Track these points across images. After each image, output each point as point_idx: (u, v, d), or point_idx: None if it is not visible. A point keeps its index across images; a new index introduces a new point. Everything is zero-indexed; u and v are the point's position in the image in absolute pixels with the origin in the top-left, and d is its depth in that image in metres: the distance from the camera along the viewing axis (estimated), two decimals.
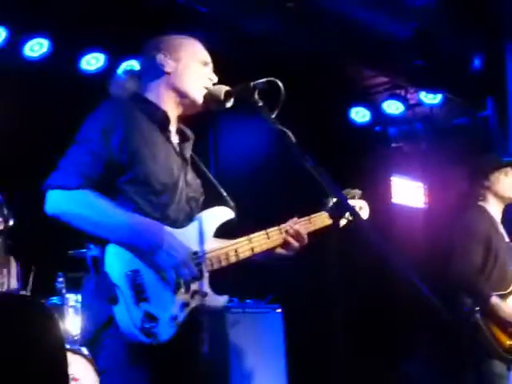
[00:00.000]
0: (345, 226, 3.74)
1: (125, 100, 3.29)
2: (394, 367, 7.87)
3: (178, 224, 3.21)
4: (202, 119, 3.49)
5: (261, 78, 3.21)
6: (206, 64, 3.41)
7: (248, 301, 7.30)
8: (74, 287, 6.38)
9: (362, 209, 3.88)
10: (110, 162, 3.07)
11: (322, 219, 3.67)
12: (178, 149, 3.36)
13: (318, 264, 7.19)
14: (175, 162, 3.31)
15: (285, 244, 3.49)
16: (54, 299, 6.17)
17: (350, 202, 3.78)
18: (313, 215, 3.64)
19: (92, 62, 7.63)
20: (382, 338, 8.79)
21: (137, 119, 3.21)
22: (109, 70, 7.59)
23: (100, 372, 3.17)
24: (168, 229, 3.12)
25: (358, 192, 3.87)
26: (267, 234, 3.44)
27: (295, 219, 3.54)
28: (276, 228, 3.48)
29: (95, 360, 3.19)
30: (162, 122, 3.32)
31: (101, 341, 3.04)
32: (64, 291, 6.19)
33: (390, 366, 7.86)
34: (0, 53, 7.13)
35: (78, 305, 6.19)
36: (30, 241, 6.98)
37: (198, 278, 3.12)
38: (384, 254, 2.80)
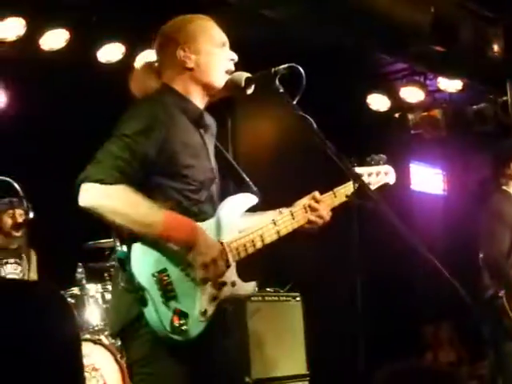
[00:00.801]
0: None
1: (162, 95, 3.27)
2: (416, 354, 7.84)
3: (209, 216, 3.21)
4: (219, 105, 3.48)
5: (280, 65, 3.20)
6: (224, 45, 3.38)
7: (268, 289, 7.30)
8: (93, 277, 6.41)
9: (388, 174, 3.82)
10: (148, 159, 3.06)
11: (346, 191, 3.57)
12: (206, 143, 3.35)
13: (338, 251, 7.16)
14: (208, 158, 3.32)
15: (309, 222, 3.46)
16: (74, 289, 6.19)
17: (375, 167, 3.76)
18: (336, 188, 3.58)
19: (110, 53, 7.61)
20: (404, 325, 8.77)
21: (175, 117, 3.20)
22: (127, 61, 7.60)
23: (131, 363, 3.17)
24: (199, 224, 3.12)
25: (383, 157, 3.80)
26: (292, 214, 3.41)
27: (316, 193, 3.51)
28: (300, 207, 3.45)
29: (127, 351, 3.20)
30: (197, 118, 3.32)
31: (133, 331, 3.05)
32: (84, 281, 6.22)
33: (413, 353, 7.84)
34: (18, 43, 7.13)
35: (98, 295, 6.22)
36: (49, 232, 7.00)
37: (226, 269, 3.12)
38: (405, 238, 2.79)
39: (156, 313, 2.93)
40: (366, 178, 3.70)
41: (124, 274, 3.01)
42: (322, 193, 3.55)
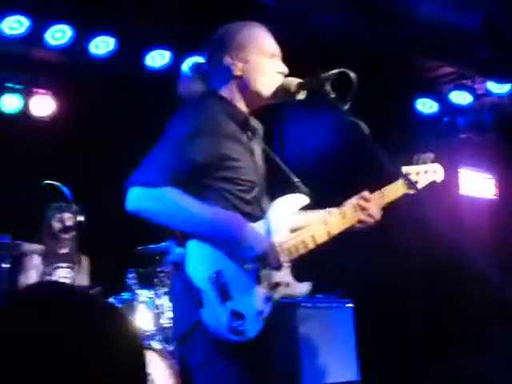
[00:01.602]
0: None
1: (209, 100, 3.28)
2: (473, 361, 7.73)
3: (258, 217, 3.22)
4: (267, 109, 3.47)
5: (326, 71, 3.18)
6: (273, 56, 3.38)
7: (318, 295, 7.26)
8: (144, 283, 6.43)
9: (436, 172, 3.79)
10: (196, 162, 3.08)
11: (395, 190, 3.58)
12: (253, 147, 3.36)
13: (389, 257, 7.11)
14: (255, 160, 3.34)
15: (359, 222, 3.46)
16: (125, 295, 6.22)
17: (423, 166, 3.73)
18: (385, 187, 3.58)
19: (157, 58, 7.67)
20: (459, 331, 8.64)
21: (221, 121, 3.22)
22: (174, 67, 7.64)
23: (191, 368, 3.19)
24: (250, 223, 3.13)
25: (430, 156, 3.77)
26: (342, 213, 3.41)
27: (366, 193, 3.50)
28: (350, 206, 3.44)
29: (187, 357, 3.22)
30: (243, 122, 3.33)
31: (192, 339, 3.07)
32: (135, 287, 6.24)
33: (469, 361, 7.72)
34: (66, 51, 7.21)
35: (149, 300, 6.24)
36: (100, 237, 7.05)
37: (278, 268, 3.11)
38: (457, 243, 2.75)
39: (213, 314, 2.96)
40: (413, 177, 3.70)
41: (180, 276, 3.04)
42: (369, 191, 3.54)
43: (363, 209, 3.45)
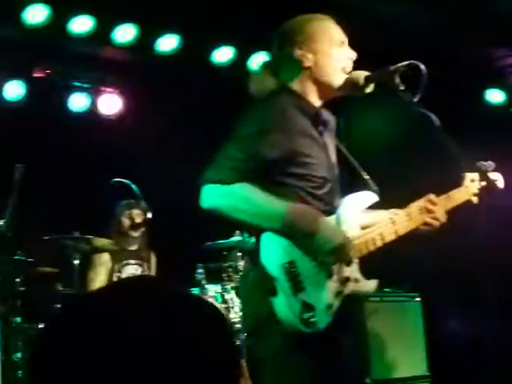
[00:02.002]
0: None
1: (280, 95, 3.28)
2: None
3: (333, 213, 3.22)
4: (332, 102, 3.46)
5: (395, 62, 3.15)
6: (342, 43, 3.37)
7: (386, 289, 7.22)
8: (213, 278, 6.48)
9: (497, 181, 3.76)
10: (267, 159, 3.09)
11: (460, 195, 3.59)
12: (325, 140, 3.35)
13: (459, 249, 7.02)
14: (327, 155, 3.33)
15: (425, 224, 3.44)
16: (194, 290, 6.27)
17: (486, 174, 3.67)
18: (451, 192, 3.57)
19: (222, 54, 7.69)
20: None
21: (292, 116, 3.22)
22: (239, 63, 7.65)
23: (261, 360, 3.21)
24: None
25: (491, 164, 3.72)
26: (409, 214, 3.40)
27: (432, 196, 3.48)
28: (416, 208, 3.43)
29: (256, 348, 3.24)
30: (315, 117, 3.32)
31: (261, 330, 3.09)
32: (204, 282, 6.29)
33: None
34: (133, 49, 7.27)
35: (218, 295, 6.28)
36: (169, 233, 7.11)
37: (350, 263, 3.12)
38: None
39: (286, 304, 2.96)
40: (476, 184, 3.66)
41: (254, 265, 3.07)
42: (435, 194, 3.52)
43: (429, 211, 3.45)
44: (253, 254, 3.08)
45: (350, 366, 3.27)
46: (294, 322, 2.96)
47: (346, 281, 3.12)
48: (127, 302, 1.36)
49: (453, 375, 7.34)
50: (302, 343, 3.01)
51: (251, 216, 3.03)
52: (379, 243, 3.27)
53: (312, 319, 2.97)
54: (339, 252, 3.06)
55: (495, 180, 3.72)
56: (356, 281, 3.16)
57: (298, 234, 3.04)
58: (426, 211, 3.44)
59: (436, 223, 3.45)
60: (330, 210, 3.22)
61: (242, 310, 3.32)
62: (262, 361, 3.17)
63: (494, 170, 3.72)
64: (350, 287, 3.14)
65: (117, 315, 1.34)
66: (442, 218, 3.47)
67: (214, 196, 3.01)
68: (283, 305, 2.97)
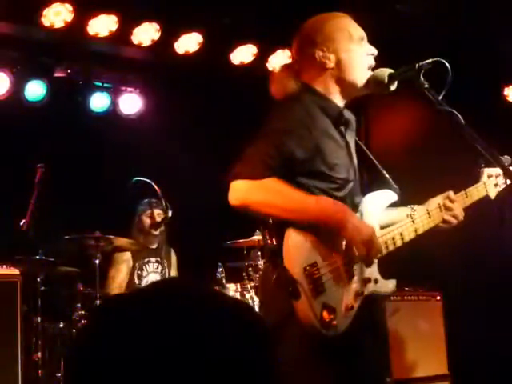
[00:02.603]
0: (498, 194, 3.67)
1: (304, 95, 3.27)
2: None
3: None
4: (353, 101, 3.45)
5: (416, 60, 3.14)
6: (362, 39, 3.35)
7: (407, 288, 7.19)
8: (232, 277, 6.48)
9: None
10: (293, 157, 3.07)
11: (477, 191, 3.62)
12: (347, 140, 3.35)
13: (483, 248, 6.98)
14: (349, 155, 3.32)
15: (443, 221, 3.45)
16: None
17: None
18: (468, 188, 3.60)
19: (243, 54, 7.68)
20: None
21: (315, 116, 3.21)
22: (260, 63, 7.65)
23: (280, 363, 3.17)
24: None
25: (508, 159, 3.70)
26: (428, 213, 3.40)
27: (451, 193, 3.49)
28: (436, 206, 3.43)
29: (276, 351, 3.20)
30: (338, 117, 3.31)
31: (281, 331, 3.05)
32: (224, 281, 6.29)
33: None
34: (153, 49, 7.29)
35: (238, 294, 6.28)
36: (190, 232, 7.12)
37: (371, 263, 3.11)
38: None
39: (307, 306, 2.94)
40: (493, 180, 3.68)
41: (275, 267, 3.03)
42: (455, 191, 3.54)
43: (448, 209, 3.46)
44: (274, 256, 3.05)
45: (372, 366, 3.24)
46: (316, 325, 2.94)
47: (366, 281, 3.12)
48: (172, 307, 1.34)
49: (473, 375, 7.31)
50: (322, 345, 2.98)
51: (282, 210, 3.01)
52: (399, 243, 3.26)
53: (334, 322, 2.96)
54: (369, 244, 3.04)
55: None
56: (376, 281, 3.16)
57: (328, 225, 3.02)
58: (445, 208, 3.45)
59: (454, 221, 3.46)
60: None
61: (261, 311, 3.29)
62: (281, 364, 3.13)
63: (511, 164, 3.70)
64: (370, 288, 3.14)
65: (155, 319, 1.32)
66: (461, 215, 3.48)
67: (244, 192, 2.99)
68: (305, 307, 2.94)
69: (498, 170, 3.69)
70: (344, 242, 3.06)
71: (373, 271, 3.15)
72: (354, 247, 3.03)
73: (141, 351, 1.24)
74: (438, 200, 3.46)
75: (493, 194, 3.68)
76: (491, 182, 3.67)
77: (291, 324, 2.98)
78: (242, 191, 2.99)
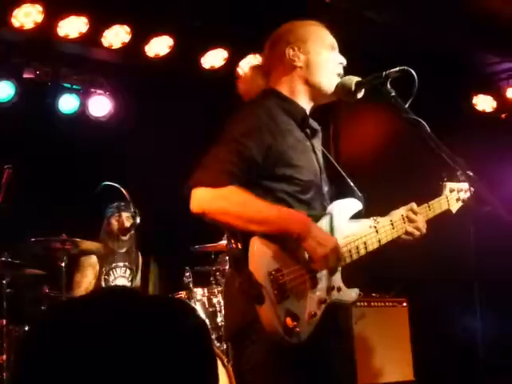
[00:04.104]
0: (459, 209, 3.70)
1: (266, 98, 3.28)
2: None
3: (317, 219, 3.20)
4: (322, 109, 3.46)
5: (384, 68, 3.16)
6: (333, 48, 3.40)
7: (374, 294, 7.23)
8: (200, 281, 6.47)
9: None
10: (255, 161, 3.07)
11: (440, 205, 3.65)
12: (313, 145, 3.35)
13: (448, 254, 7.03)
14: (314, 158, 3.32)
15: (406, 233, 3.46)
16: (182, 293, 6.26)
17: (466, 184, 3.67)
18: (431, 201, 3.62)
19: (213, 58, 7.67)
20: None
21: (280, 119, 3.22)
22: (230, 67, 7.65)
23: (243, 371, 3.17)
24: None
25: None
26: (392, 224, 3.41)
27: (414, 205, 3.51)
28: (399, 217, 3.44)
29: (238, 358, 3.19)
30: (302, 120, 3.32)
31: (245, 337, 3.06)
32: (191, 285, 6.28)
33: None
34: (123, 51, 7.26)
35: (205, 299, 6.27)
36: (157, 236, 7.11)
37: (335, 271, 3.11)
38: None
39: (271, 312, 2.93)
40: (455, 194, 3.71)
41: (240, 272, 3.03)
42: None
43: (411, 221, 3.48)
44: (239, 261, 3.03)
45: (337, 372, 3.24)
46: (279, 331, 2.93)
47: (329, 289, 3.11)
48: (109, 309, 1.39)
49: (438, 381, 7.35)
50: (286, 352, 2.97)
51: (242, 220, 3.00)
52: (362, 252, 3.26)
53: (297, 329, 2.94)
54: (330, 256, 3.04)
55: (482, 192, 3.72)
56: (339, 289, 3.15)
57: (288, 237, 3.02)
58: (408, 220, 3.46)
59: (417, 233, 3.47)
60: (317, 214, 3.21)
61: (224, 317, 3.28)
62: (245, 369, 3.12)
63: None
64: (334, 296, 3.13)
65: (97, 321, 1.37)
66: (423, 228, 3.50)
67: (204, 200, 2.97)
68: (268, 314, 2.93)
69: (460, 185, 3.72)
70: (306, 253, 3.06)
71: (336, 279, 3.15)
72: (315, 258, 3.03)
73: (79, 351, 1.30)
74: (402, 212, 3.47)
75: (454, 209, 3.70)
76: (453, 196, 3.70)
77: (255, 329, 2.97)
78: (202, 199, 2.97)
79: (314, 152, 3.35)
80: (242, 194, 3.00)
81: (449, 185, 3.68)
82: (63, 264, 6.12)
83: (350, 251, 3.21)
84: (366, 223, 3.37)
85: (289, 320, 2.94)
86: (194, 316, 1.48)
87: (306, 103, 3.35)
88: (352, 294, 3.22)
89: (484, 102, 9.09)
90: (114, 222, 6.83)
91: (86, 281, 6.65)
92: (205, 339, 1.46)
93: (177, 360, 1.35)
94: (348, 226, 3.30)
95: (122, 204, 6.70)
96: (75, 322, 1.34)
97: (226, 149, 3.06)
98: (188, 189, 2.99)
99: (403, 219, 3.45)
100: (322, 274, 3.09)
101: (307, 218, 3.08)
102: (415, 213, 3.48)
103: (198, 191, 2.97)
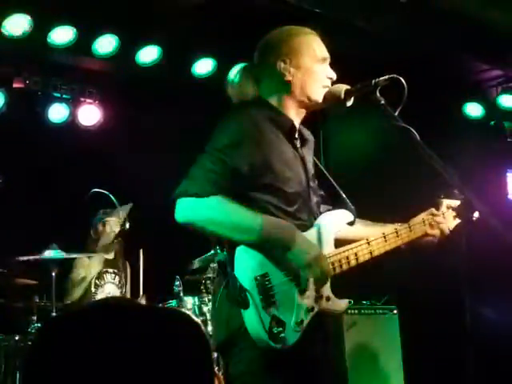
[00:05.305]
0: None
1: (253, 108, 3.27)
2: None
3: (305, 229, 3.19)
4: (311, 116, 3.46)
5: (374, 76, 3.16)
6: (324, 60, 3.38)
7: (364, 302, 7.24)
8: (190, 290, 6.46)
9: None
10: (241, 172, 3.07)
11: (420, 227, 3.60)
12: (302, 155, 3.35)
13: (437, 264, 7.04)
14: (302, 169, 3.32)
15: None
16: (172, 302, 6.25)
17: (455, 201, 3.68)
18: (426, 217, 3.62)
19: (202, 67, 7.69)
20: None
21: (266, 129, 3.21)
22: (219, 75, 7.66)
23: (231, 380, 3.17)
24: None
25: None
26: (384, 237, 3.41)
27: (411, 223, 3.55)
28: (393, 231, 3.45)
29: (226, 366, 3.19)
30: (290, 131, 3.32)
31: (233, 345, 3.05)
32: (181, 294, 6.27)
33: None
34: (113, 60, 7.27)
35: (195, 307, 6.26)
36: (146, 244, 7.10)
37: (324, 282, 3.11)
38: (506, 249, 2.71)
39: (256, 317, 2.94)
40: (452, 211, 3.67)
41: (226, 277, 3.04)
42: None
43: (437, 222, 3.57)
44: (224, 266, 3.05)
45: (326, 380, 3.24)
46: (264, 337, 2.93)
47: (318, 298, 3.10)
48: (109, 316, 1.40)
49: None
50: (274, 360, 2.97)
51: (228, 229, 3.02)
52: (353, 263, 3.25)
53: (282, 334, 2.95)
54: (314, 267, 3.04)
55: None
56: (327, 299, 3.14)
57: (274, 246, 3.03)
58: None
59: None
60: (304, 225, 3.21)
61: (212, 323, 3.29)
62: (235, 378, 3.12)
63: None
64: (322, 305, 3.11)
65: (98, 328, 1.37)
66: (446, 229, 3.59)
67: (189, 209, 2.98)
68: (253, 318, 2.94)
69: (456, 202, 3.70)
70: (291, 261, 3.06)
71: (325, 289, 3.14)
72: (300, 266, 3.03)
73: (80, 362, 1.31)
74: (394, 226, 3.49)
75: (451, 226, 3.69)
76: (450, 213, 3.67)
77: (242, 336, 2.98)
78: (187, 209, 2.98)
79: (303, 162, 3.35)
80: (224, 203, 3.01)
81: (446, 201, 3.67)
82: (53, 274, 6.09)
83: (339, 261, 3.20)
84: (360, 232, 3.41)
85: (274, 325, 2.94)
86: (195, 330, 1.49)
87: (294, 114, 3.35)
88: (341, 304, 3.20)
89: (473, 110, 9.13)
90: (101, 229, 6.82)
91: (79, 279, 6.64)
92: (204, 352, 1.47)
93: (176, 373, 1.36)
94: (339, 234, 3.30)
95: (109, 210, 6.70)
96: (76, 336, 1.34)
97: (211, 159, 3.06)
98: (173, 199, 3.02)
99: (397, 233, 3.45)
100: (310, 282, 3.08)
101: (292, 226, 3.08)
102: (436, 215, 3.56)
103: (182, 201, 2.99)
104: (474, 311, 3.02)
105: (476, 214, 3.39)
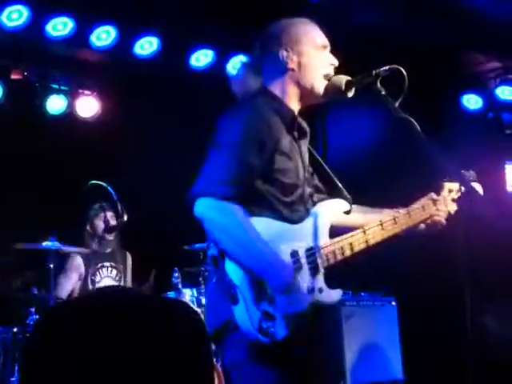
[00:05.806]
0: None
1: (259, 101, 3.26)
2: None
3: (300, 220, 3.20)
4: (310, 108, 3.45)
5: (373, 66, 3.16)
6: (325, 47, 3.38)
7: (363, 293, 7.25)
8: (189, 282, 6.46)
9: (477, 192, 3.76)
10: (253, 168, 3.07)
11: (422, 213, 3.57)
12: (300, 146, 3.35)
13: (436, 255, 7.04)
14: (300, 160, 3.31)
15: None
16: (171, 294, 6.25)
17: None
18: (425, 203, 3.58)
19: (201, 58, 7.69)
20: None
21: (269, 120, 3.20)
22: (218, 66, 7.66)
23: (227, 367, 3.17)
24: (295, 227, 3.14)
25: (472, 174, 3.71)
26: (381, 224, 3.39)
27: (433, 195, 3.56)
28: (391, 218, 3.42)
29: (221, 356, 3.19)
30: (291, 122, 3.31)
31: (225, 337, 3.05)
32: (180, 286, 6.27)
33: None
34: (111, 52, 7.26)
35: (193, 299, 6.27)
36: (145, 236, 7.10)
37: (316, 273, 3.10)
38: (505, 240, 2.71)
39: (246, 312, 2.94)
40: (453, 194, 3.65)
41: (217, 271, 3.04)
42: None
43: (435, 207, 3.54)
44: (216, 260, 3.04)
45: (320, 372, 3.22)
46: (253, 332, 2.93)
47: (310, 291, 3.09)
48: (109, 305, 1.40)
49: (427, 379, 7.37)
50: (266, 352, 2.97)
51: (234, 242, 2.99)
52: (348, 253, 3.23)
53: (271, 329, 2.94)
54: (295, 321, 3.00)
55: (476, 191, 3.71)
56: (320, 291, 3.11)
57: (264, 280, 2.99)
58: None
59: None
60: (295, 218, 3.19)
61: (205, 316, 3.28)
62: (230, 369, 3.12)
63: (474, 179, 3.72)
64: (315, 297, 3.09)
65: (96, 318, 1.37)
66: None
67: (209, 208, 2.97)
68: (243, 313, 2.94)
69: (457, 185, 3.68)
70: None
71: (318, 280, 3.12)
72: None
73: (78, 353, 1.31)
74: (392, 213, 3.46)
75: (452, 209, 3.67)
76: (451, 196, 3.65)
77: (232, 328, 2.98)
78: (207, 207, 2.98)
79: (301, 154, 3.34)
80: (241, 216, 2.99)
81: (448, 185, 3.63)
82: (51, 265, 6.09)
83: (334, 252, 3.19)
84: (358, 221, 3.37)
85: (263, 320, 2.94)
86: (194, 319, 1.49)
87: (295, 105, 3.34)
88: (334, 295, 3.16)
89: (472, 101, 9.13)
90: (99, 223, 6.79)
91: (69, 283, 6.61)
92: (203, 343, 1.46)
93: (174, 362, 1.36)
94: (339, 220, 3.31)
95: (105, 204, 6.68)
96: (74, 327, 1.34)
97: (226, 155, 3.06)
98: (190, 199, 3.01)
99: (394, 220, 3.41)
100: (303, 275, 3.08)
101: (289, 272, 3.03)
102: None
103: (202, 200, 2.99)
104: (473, 303, 3.00)
105: (475, 187, 3.40)
